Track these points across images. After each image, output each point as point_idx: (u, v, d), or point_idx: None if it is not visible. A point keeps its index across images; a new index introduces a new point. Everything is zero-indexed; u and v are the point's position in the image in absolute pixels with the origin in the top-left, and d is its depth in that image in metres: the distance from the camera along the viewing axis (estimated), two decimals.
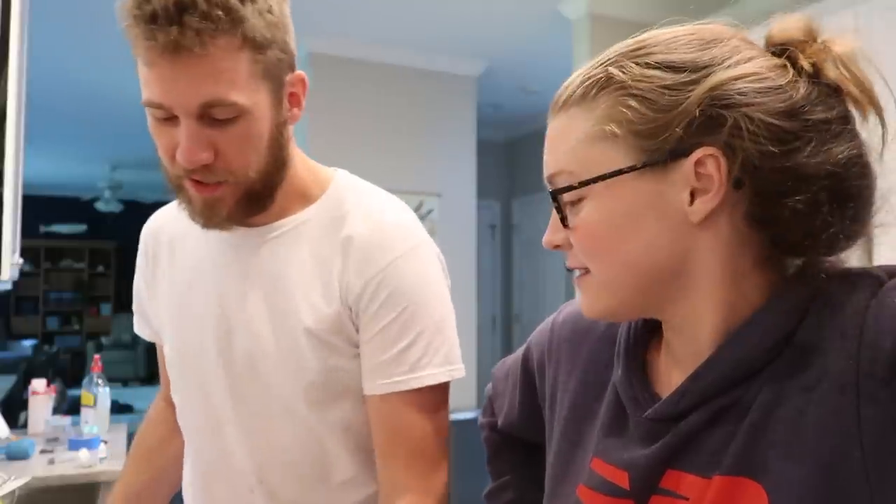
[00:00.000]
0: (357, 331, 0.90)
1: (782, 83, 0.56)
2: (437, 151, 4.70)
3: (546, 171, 0.63)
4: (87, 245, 10.35)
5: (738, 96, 0.55)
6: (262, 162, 0.85)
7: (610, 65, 0.59)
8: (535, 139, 6.47)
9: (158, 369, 1.15)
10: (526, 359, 0.82)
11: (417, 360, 0.88)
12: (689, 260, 0.58)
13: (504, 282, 6.72)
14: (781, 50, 0.58)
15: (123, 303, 9.96)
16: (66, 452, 2.29)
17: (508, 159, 6.83)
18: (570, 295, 5.31)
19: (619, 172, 0.57)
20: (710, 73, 0.56)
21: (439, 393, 0.90)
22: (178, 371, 0.99)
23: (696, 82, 0.56)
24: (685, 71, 0.56)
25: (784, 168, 0.55)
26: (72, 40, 4.21)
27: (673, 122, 0.55)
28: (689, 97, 0.55)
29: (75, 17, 3.82)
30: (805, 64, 0.57)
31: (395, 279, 0.88)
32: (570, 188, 0.59)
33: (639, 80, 0.57)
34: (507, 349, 6.47)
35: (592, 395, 0.70)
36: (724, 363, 0.57)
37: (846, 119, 0.57)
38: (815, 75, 0.57)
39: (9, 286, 1.93)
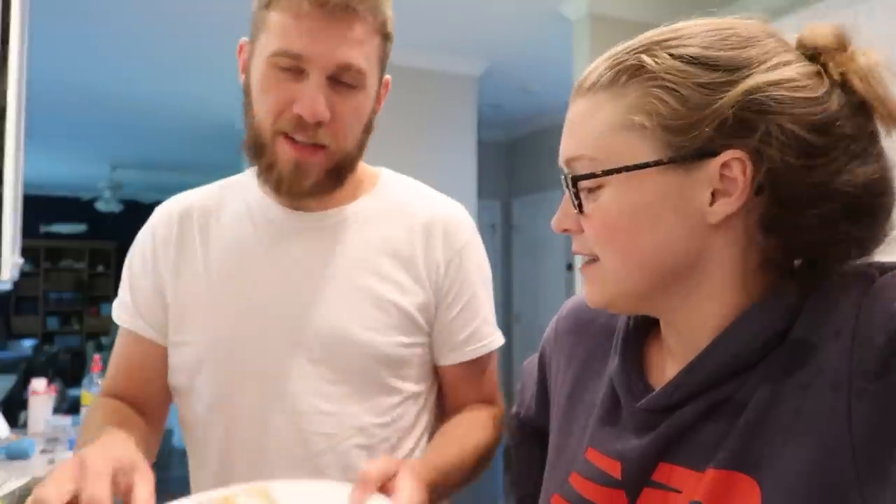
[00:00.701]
0: (435, 309, 0.98)
1: (819, 94, 0.55)
2: (437, 151, 4.69)
3: (564, 154, 0.62)
4: (87, 245, 10.34)
5: (773, 103, 0.54)
6: (357, 138, 0.93)
7: (641, 52, 0.58)
8: (535, 139, 6.47)
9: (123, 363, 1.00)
10: (541, 354, 0.84)
11: (494, 322, 1.03)
12: (700, 260, 0.58)
13: (504, 282, 6.71)
14: (814, 55, 0.57)
15: None
16: (66, 452, 2.29)
17: (508, 159, 6.83)
18: (570, 296, 5.28)
19: (645, 165, 0.56)
20: (746, 75, 0.55)
21: None
22: (218, 363, 0.93)
23: (731, 83, 0.54)
24: (720, 70, 0.55)
25: (807, 182, 0.54)
26: (72, 40, 4.20)
27: (704, 120, 0.55)
28: (722, 98, 0.54)
29: (75, 17, 3.81)
30: (835, 73, 0.56)
31: (471, 255, 1.01)
32: (591, 176, 0.59)
33: (671, 73, 0.56)
34: (507, 349, 6.46)
35: (589, 385, 0.71)
36: (719, 356, 0.57)
37: (873, 134, 0.56)
38: (844, 86, 0.56)
39: (9, 286, 1.93)
